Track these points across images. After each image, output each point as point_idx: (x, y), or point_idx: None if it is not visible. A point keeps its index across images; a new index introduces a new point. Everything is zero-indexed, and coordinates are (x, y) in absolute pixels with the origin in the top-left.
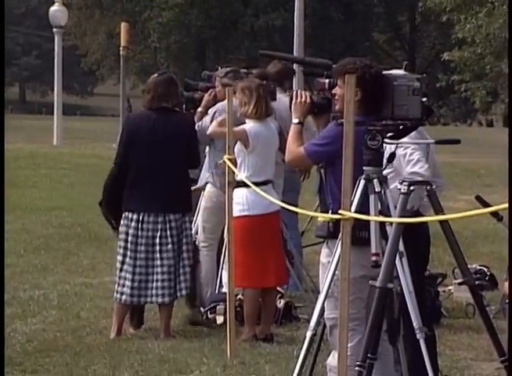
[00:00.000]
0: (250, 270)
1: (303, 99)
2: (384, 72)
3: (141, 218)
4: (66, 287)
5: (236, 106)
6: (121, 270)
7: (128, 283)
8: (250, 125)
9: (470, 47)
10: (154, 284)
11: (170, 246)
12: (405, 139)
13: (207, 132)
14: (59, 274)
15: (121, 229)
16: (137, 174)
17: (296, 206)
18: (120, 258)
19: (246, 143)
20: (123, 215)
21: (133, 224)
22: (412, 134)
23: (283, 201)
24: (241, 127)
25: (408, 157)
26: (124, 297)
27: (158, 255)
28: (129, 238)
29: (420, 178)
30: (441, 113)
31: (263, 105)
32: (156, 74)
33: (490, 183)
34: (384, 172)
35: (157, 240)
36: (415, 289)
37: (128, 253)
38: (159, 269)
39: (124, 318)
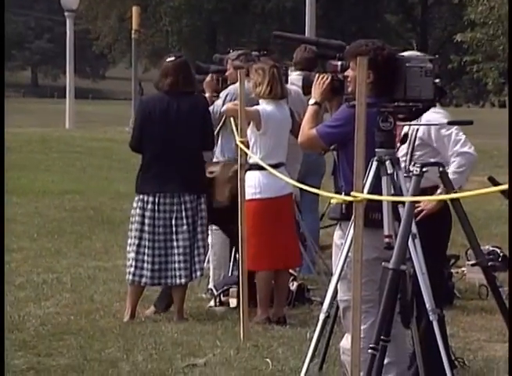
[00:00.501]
0: (262, 253)
1: (323, 81)
2: (397, 54)
3: (157, 200)
4: (79, 270)
5: (249, 89)
6: (138, 253)
7: (147, 265)
8: (263, 106)
9: (483, 28)
10: (172, 266)
11: (185, 227)
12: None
13: (221, 109)
14: (72, 258)
15: (135, 211)
16: (151, 156)
17: (318, 188)
18: (135, 240)
19: (258, 125)
20: (136, 198)
21: (149, 206)
22: (441, 113)
23: (305, 184)
24: (254, 107)
25: (455, 136)
26: (143, 279)
27: (175, 237)
28: (146, 220)
29: (469, 158)
30: (453, 94)
31: (277, 85)
32: (172, 58)
33: (502, 164)
34: (419, 153)
35: (173, 222)
36: (433, 270)
37: (146, 236)
38: (175, 251)
39: (138, 300)
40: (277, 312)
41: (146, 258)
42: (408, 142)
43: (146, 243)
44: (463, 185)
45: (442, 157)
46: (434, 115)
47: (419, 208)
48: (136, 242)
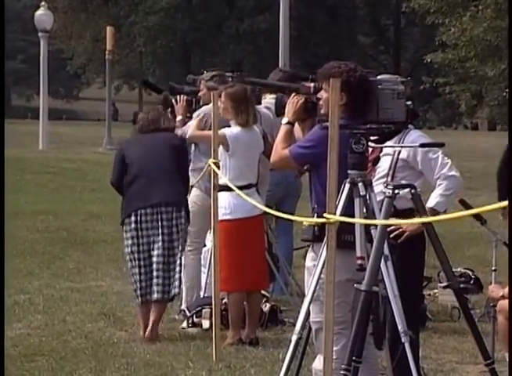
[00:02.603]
0: (233, 274)
1: (297, 100)
2: (370, 76)
3: (138, 218)
4: (51, 291)
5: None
6: (132, 274)
7: (137, 283)
8: (230, 129)
9: (454, 50)
10: (150, 282)
11: (160, 243)
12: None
13: (187, 136)
14: (44, 278)
15: (125, 237)
16: (129, 180)
17: (294, 211)
18: (129, 263)
19: (226, 147)
20: (123, 229)
21: (133, 226)
22: (425, 136)
23: (281, 206)
24: (221, 131)
25: (441, 160)
26: (138, 298)
27: (152, 252)
28: (130, 241)
29: (455, 181)
30: (427, 117)
31: (250, 112)
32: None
33: (475, 187)
34: (401, 175)
35: (151, 236)
36: (411, 292)
37: (135, 255)
38: (154, 266)
39: (148, 317)
40: (249, 334)
41: (136, 276)
42: (389, 164)
43: (134, 261)
44: (447, 208)
45: (424, 180)
46: (421, 138)
47: (400, 230)
48: (129, 264)
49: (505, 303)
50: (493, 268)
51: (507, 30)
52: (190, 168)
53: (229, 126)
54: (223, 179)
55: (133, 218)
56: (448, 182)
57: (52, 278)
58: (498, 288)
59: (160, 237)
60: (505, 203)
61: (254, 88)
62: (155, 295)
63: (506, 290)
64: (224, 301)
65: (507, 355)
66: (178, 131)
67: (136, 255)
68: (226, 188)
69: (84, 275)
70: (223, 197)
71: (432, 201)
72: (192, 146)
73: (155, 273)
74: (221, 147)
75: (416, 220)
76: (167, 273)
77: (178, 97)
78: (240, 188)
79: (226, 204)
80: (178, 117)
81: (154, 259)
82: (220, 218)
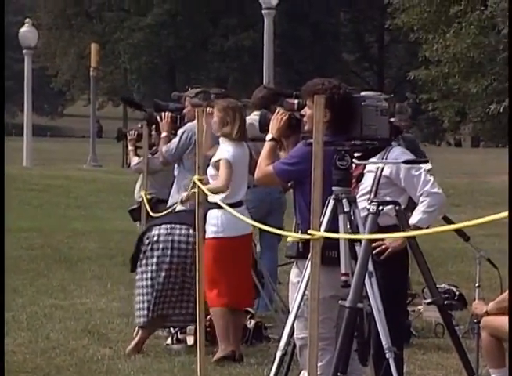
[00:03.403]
0: (220, 291)
1: (281, 117)
2: (354, 93)
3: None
4: (35, 308)
5: (212, 126)
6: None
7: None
8: (228, 153)
9: (437, 66)
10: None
11: (151, 263)
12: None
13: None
14: (28, 296)
15: None
16: None
17: (280, 226)
18: None
19: (229, 171)
20: None
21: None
22: (409, 153)
23: (267, 223)
24: (223, 161)
25: (424, 177)
26: None
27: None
28: None
29: (438, 198)
30: (410, 133)
31: (242, 125)
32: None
33: (458, 203)
34: (384, 192)
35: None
36: (393, 309)
37: None
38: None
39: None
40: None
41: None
42: (372, 180)
43: None
44: (430, 225)
45: (407, 197)
46: (404, 155)
47: (384, 246)
48: None
49: (488, 319)
50: (477, 284)
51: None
52: (175, 185)
53: (218, 142)
54: (214, 198)
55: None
56: (430, 198)
57: (36, 295)
58: (481, 305)
59: (152, 261)
60: (505, 214)
61: (243, 104)
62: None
63: (490, 305)
64: (208, 317)
65: (491, 371)
66: (163, 148)
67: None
68: (217, 206)
69: (68, 292)
70: (214, 214)
71: (415, 218)
72: (176, 169)
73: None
74: (212, 168)
75: (401, 234)
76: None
77: (162, 114)
78: (232, 205)
79: (218, 222)
80: (163, 134)
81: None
82: (211, 235)
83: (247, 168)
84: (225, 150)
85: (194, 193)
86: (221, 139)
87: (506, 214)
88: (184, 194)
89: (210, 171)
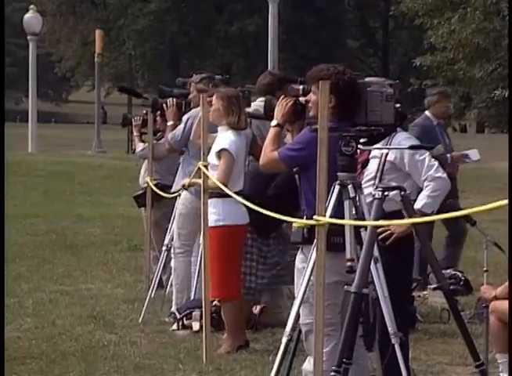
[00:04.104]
0: (226, 281)
1: (286, 103)
2: (358, 79)
3: None
4: (41, 294)
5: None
6: None
7: None
8: (231, 143)
9: (443, 52)
10: None
11: None
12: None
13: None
14: (33, 282)
15: None
16: None
17: None
18: None
19: (232, 160)
20: None
21: None
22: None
23: None
24: (220, 146)
25: (428, 162)
26: None
27: None
28: None
29: (442, 183)
30: (415, 119)
31: (241, 113)
32: None
33: (464, 189)
34: (388, 177)
35: None
36: (398, 294)
37: None
38: None
39: None
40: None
41: None
42: (377, 166)
43: None
44: (435, 209)
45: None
46: (408, 140)
47: (388, 231)
48: None
49: (497, 304)
50: (484, 268)
51: (504, 30)
52: (180, 171)
53: (216, 131)
54: (216, 185)
55: None
56: (435, 183)
57: (42, 281)
58: (490, 289)
59: None
60: (505, 202)
61: (244, 91)
62: None
63: (499, 290)
64: (214, 303)
65: (498, 356)
66: (169, 136)
67: None
68: (218, 194)
69: (73, 278)
70: (214, 202)
71: (419, 203)
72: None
73: None
74: (214, 156)
75: (407, 221)
76: None
77: (168, 101)
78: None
79: (219, 210)
80: (169, 123)
81: None
82: (213, 224)
83: (245, 158)
84: (228, 139)
85: (197, 178)
86: (220, 128)
87: (506, 202)
88: (186, 180)
89: (213, 160)
